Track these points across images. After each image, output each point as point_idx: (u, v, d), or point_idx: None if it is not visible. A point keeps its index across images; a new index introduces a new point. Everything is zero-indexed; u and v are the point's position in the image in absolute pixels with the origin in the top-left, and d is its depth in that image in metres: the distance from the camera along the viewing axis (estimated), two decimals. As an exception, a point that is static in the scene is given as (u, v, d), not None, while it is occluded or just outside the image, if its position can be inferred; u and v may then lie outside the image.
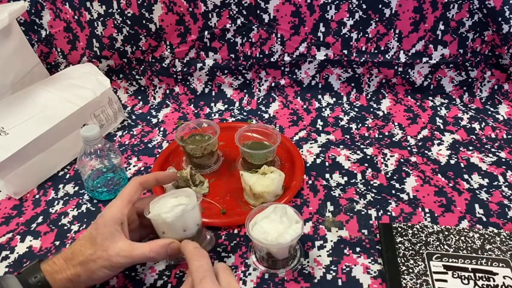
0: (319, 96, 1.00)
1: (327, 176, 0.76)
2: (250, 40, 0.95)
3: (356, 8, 0.90)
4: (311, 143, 0.85)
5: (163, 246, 0.52)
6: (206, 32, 0.94)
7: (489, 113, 0.93)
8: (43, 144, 0.76)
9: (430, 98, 0.98)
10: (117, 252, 0.50)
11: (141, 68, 1.01)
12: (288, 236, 0.55)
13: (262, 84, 1.02)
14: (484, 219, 0.66)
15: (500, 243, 0.60)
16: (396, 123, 0.91)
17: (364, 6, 0.89)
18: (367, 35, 0.93)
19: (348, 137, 0.87)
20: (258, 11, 0.91)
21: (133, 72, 1.03)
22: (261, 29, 0.93)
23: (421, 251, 0.59)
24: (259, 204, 0.64)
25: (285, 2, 0.89)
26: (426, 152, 0.82)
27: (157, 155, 0.83)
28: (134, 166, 0.82)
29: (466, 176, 0.75)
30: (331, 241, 0.63)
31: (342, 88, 1.01)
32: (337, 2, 0.89)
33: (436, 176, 0.75)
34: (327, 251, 0.62)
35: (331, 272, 0.59)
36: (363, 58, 0.95)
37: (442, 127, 0.89)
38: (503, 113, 0.93)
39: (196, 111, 0.99)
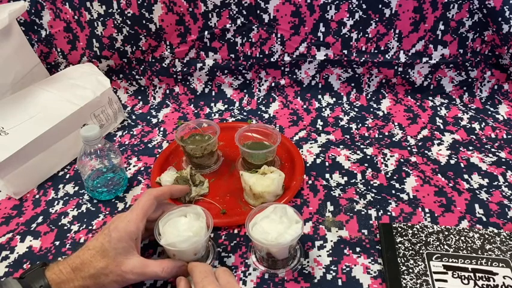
0: (319, 96, 1.00)
1: (327, 176, 0.76)
2: (250, 40, 0.95)
3: (356, 8, 0.90)
4: (311, 143, 0.85)
5: (174, 267, 0.53)
6: (206, 32, 0.94)
7: (489, 113, 0.93)
8: (43, 144, 0.76)
9: (430, 98, 0.98)
10: (130, 269, 0.51)
11: (141, 68, 1.01)
12: (288, 236, 0.55)
13: (262, 84, 1.02)
14: (484, 219, 0.66)
15: (500, 243, 0.60)
16: (396, 123, 0.91)
17: (364, 6, 0.89)
18: (367, 35, 0.93)
19: (348, 137, 0.87)
20: (258, 11, 0.91)
21: (133, 72, 1.03)
22: (261, 29, 0.93)
23: (421, 251, 0.59)
24: (259, 204, 0.64)
25: (285, 2, 0.89)
26: (426, 152, 0.82)
27: (157, 155, 0.83)
28: (134, 166, 0.82)
29: (466, 176, 0.75)
30: (331, 241, 0.63)
31: (342, 88, 1.01)
32: (337, 2, 0.89)
33: (436, 176, 0.75)
34: (327, 251, 0.62)
35: (331, 272, 0.59)
36: (363, 58, 0.95)
37: (442, 127, 0.89)
38: (503, 113, 0.93)
39: (196, 111, 0.99)
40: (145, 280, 0.56)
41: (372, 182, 0.74)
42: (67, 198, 0.75)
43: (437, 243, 0.60)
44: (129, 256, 0.51)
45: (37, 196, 0.75)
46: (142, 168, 0.81)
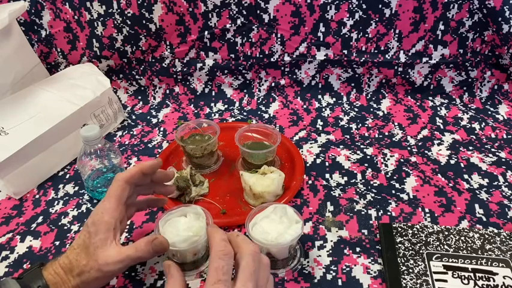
0: (319, 96, 1.00)
1: (327, 176, 0.76)
2: (250, 40, 0.95)
3: (356, 8, 0.90)
4: (311, 143, 0.85)
5: (147, 243, 0.51)
6: (206, 32, 0.94)
7: (489, 113, 0.93)
8: (43, 144, 0.76)
9: (430, 98, 0.98)
10: (105, 261, 0.49)
11: (141, 68, 1.01)
12: (288, 236, 0.55)
13: (262, 84, 1.02)
14: (484, 219, 0.66)
15: (500, 243, 0.60)
16: (396, 123, 0.91)
17: (364, 6, 0.89)
18: (367, 35, 0.93)
19: (348, 137, 0.87)
20: (258, 11, 0.91)
21: (133, 72, 1.03)
22: (261, 29, 0.93)
23: (421, 251, 0.59)
24: (259, 204, 0.64)
25: (285, 2, 0.89)
26: (426, 152, 0.82)
27: (157, 155, 0.83)
28: (134, 166, 0.81)
29: (466, 176, 0.75)
30: (331, 241, 0.63)
31: (342, 88, 1.01)
32: (337, 2, 0.89)
33: (436, 176, 0.75)
34: (327, 251, 0.62)
35: (331, 272, 0.59)
36: (363, 58, 0.95)
37: (442, 127, 0.89)
38: (503, 113, 0.93)
39: (196, 111, 0.99)
40: (125, 268, 0.53)
41: (372, 182, 0.74)
42: (67, 198, 0.75)
43: (437, 243, 0.60)
44: (105, 248, 0.50)
45: (37, 196, 0.75)
46: (142, 168, 0.81)
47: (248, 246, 0.45)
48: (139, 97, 1.04)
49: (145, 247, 0.51)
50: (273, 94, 1.02)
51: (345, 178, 0.76)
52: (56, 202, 0.74)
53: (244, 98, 1.01)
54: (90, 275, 0.49)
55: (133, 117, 0.98)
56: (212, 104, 1.01)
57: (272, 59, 0.97)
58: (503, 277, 0.55)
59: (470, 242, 0.60)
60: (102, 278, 0.50)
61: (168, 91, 1.04)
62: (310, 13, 0.91)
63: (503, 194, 0.71)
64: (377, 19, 0.91)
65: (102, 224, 0.50)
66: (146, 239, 0.52)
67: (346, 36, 0.93)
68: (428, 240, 0.61)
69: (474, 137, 0.86)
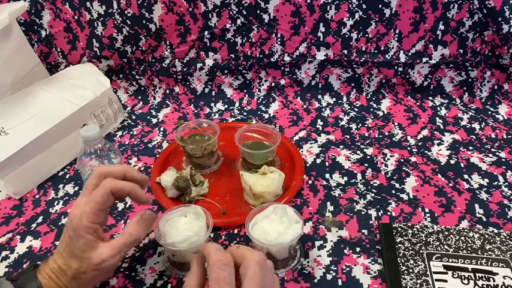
0: (319, 96, 1.00)
1: (327, 176, 0.76)
2: (250, 40, 0.95)
3: (356, 8, 0.90)
4: (311, 143, 0.85)
5: (138, 223, 0.52)
6: (206, 32, 0.94)
7: (489, 113, 0.93)
8: (43, 144, 0.76)
9: (430, 98, 0.98)
10: (100, 258, 0.49)
11: (141, 68, 1.01)
12: (288, 236, 0.55)
13: (262, 84, 1.02)
14: (484, 219, 0.66)
15: (500, 243, 0.60)
16: (396, 123, 0.91)
17: (364, 6, 0.89)
18: (367, 35, 0.93)
19: (348, 137, 0.87)
20: (258, 11, 0.91)
21: (133, 72, 1.03)
22: (261, 29, 0.93)
23: (421, 251, 0.59)
24: (259, 204, 0.64)
25: (285, 2, 0.89)
26: (426, 152, 0.82)
27: (157, 155, 0.83)
28: (134, 166, 0.82)
29: (466, 176, 0.75)
30: (331, 241, 0.63)
31: (342, 88, 1.01)
32: (337, 2, 0.89)
33: (436, 176, 0.75)
34: (327, 251, 0.62)
35: (331, 272, 0.59)
36: (363, 58, 0.95)
37: (442, 127, 0.89)
38: (503, 113, 0.93)
39: (196, 111, 0.99)
40: (124, 255, 0.52)
41: (372, 182, 0.74)
42: (67, 198, 0.75)
43: (437, 243, 0.60)
44: (94, 249, 0.49)
45: (37, 196, 0.75)
46: (142, 168, 0.81)
47: (253, 255, 0.44)
48: (139, 97, 1.04)
49: (138, 226, 0.52)
50: (273, 94, 1.02)
51: (345, 178, 0.76)
52: (56, 202, 0.74)
53: (244, 98, 1.01)
54: (88, 275, 0.49)
55: (133, 117, 0.98)
56: (212, 104, 1.01)
57: (272, 59, 0.97)
58: (503, 277, 0.55)
59: (470, 242, 0.60)
60: (101, 275, 0.50)
61: (168, 91, 1.04)
62: (310, 13, 0.91)
63: (503, 194, 0.71)
64: (377, 19, 0.91)
65: (81, 229, 0.49)
66: (135, 221, 0.52)
67: (346, 36, 0.93)
68: (428, 240, 0.61)
69: (474, 137, 0.86)
